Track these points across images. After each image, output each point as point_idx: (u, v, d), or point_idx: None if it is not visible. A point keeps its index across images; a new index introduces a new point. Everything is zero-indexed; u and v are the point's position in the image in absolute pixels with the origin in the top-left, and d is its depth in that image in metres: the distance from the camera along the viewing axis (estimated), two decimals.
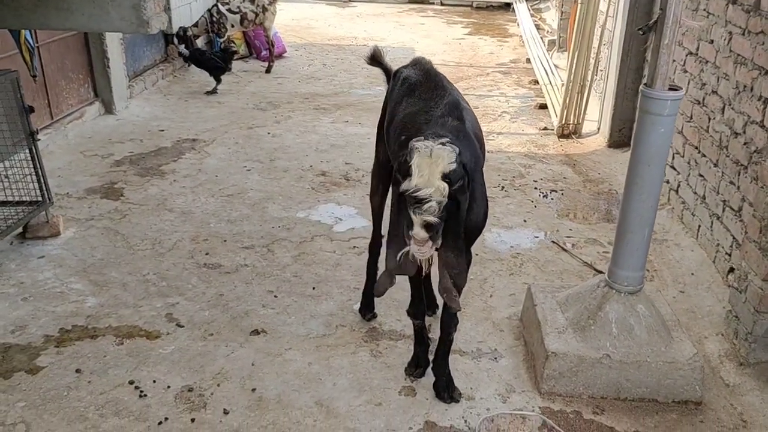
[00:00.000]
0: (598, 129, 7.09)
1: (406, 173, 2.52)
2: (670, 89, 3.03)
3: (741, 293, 3.55)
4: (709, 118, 4.57)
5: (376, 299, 3.93)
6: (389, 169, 3.51)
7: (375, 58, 3.81)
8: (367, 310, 3.94)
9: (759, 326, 3.38)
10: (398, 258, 2.73)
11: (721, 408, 3.32)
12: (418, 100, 3.23)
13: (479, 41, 11.95)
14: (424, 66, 3.45)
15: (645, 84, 3.10)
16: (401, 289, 3.55)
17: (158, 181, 5.80)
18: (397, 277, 2.90)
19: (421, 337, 3.43)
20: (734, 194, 4.12)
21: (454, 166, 2.53)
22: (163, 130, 7.07)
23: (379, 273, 3.08)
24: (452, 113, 2.98)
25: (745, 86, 4.05)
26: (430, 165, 2.50)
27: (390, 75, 3.74)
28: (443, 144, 2.57)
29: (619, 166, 6.33)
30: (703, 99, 4.70)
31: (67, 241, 4.69)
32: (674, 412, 3.28)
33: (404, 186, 2.54)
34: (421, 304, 3.38)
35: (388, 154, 3.49)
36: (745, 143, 4.01)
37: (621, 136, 6.62)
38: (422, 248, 2.61)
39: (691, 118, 4.90)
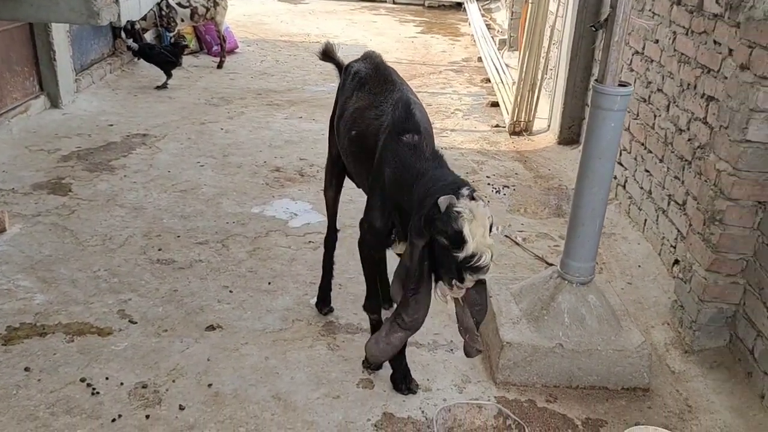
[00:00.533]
0: (549, 126, 7.24)
1: (461, 242, 2.34)
2: (620, 85, 3.13)
3: (686, 283, 3.68)
4: (655, 116, 4.73)
5: (332, 294, 3.94)
6: (342, 164, 3.55)
7: (327, 54, 3.81)
8: (323, 304, 3.93)
9: (703, 315, 3.52)
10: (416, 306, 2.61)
11: (668, 394, 3.44)
12: (368, 95, 3.26)
13: (431, 40, 12.04)
14: (374, 60, 3.47)
15: (596, 80, 3.19)
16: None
17: (108, 176, 5.68)
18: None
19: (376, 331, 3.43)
20: (679, 189, 4.27)
21: (493, 218, 2.44)
22: (112, 125, 6.92)
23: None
24: (404, 110, 3.00)
25: (689, 84, 4.20)
26: (479, 227, 2.35)
27: (342, 70, 3.75)
28: (474, 198, 2.42)
29: (569, 162, 6.48)
30: (649, 97, 4.85)
31: (13, 238, 4.55)
32: (623, 399, 3.39)
33: (462, 256, 2.36)
34: (376, 299, 3.39)
35: (339, 148, 3.51)
36: (689, 139, 4.16)
37: (570, 134, 6.78)
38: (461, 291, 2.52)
39: (638, 115, 5.06)
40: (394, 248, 3.02)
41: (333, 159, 3.70)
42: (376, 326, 3.42)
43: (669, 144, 4.46)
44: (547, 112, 7.38)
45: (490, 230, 2.40)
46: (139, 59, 8.60)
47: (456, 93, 9.03)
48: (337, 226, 3.87)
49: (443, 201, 2.36)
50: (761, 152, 3.18)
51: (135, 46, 8.33)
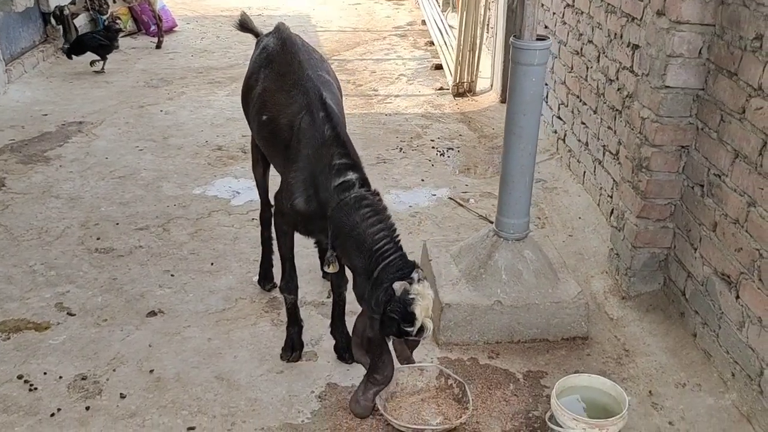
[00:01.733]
0: (491, 86, 7.24)
1: (412, 321, 2.66)
2: (537, 39, 3.12)
3: (620, 231, 3.74)
4: (587, 67, 4.75)
5: (274, 269, 3.90)
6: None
7: (244, 25, 3.71)
8: (266, 280, 3.90)
9: (636, 261, 3.58)
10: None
11: (606, 341, 3.51)
12: (276, 76, 3.16)
13: (375, 6, 11.89)
14: (281, 35, 3.34)
15: (514, 35, 3.17)
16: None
17: (43, 167, 5.53)
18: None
19: (294, 316, 3.34)
20: (612, 138, 4.31)
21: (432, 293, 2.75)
22: (46, 115, 6.72)
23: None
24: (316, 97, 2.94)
25: (615, 34, 4.22)
26: (425, 307, 2.67)
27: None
28: (421, 280, 2.70)
29: None
30: (581, 49, 4.86)
31: None
32: (563, 349, 3.45)
33: (412, 330, 2.69)
34: (293, 279, 3.29)
35: (249, 126, 3.42)
36: (618, 89, 4.19)
37: None
38: None
39: (572, 68, 5.07)
40: (327, 268, 3.00)
41: (254, 138, 3.60)
42: (292, 309, 3.33)
43: (601, 95, 4.49)
44: (490, 72, 7.37)
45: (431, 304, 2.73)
46: (73, 57, 8.15)
47: (400, 58, 8.96)
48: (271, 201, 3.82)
49: (398, 287, 2.65)
50: (681, 97, 3.21)
51: (65, 46, 8.02)
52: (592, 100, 4.66)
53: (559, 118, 5.42)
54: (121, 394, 3.13)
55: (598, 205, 4.59)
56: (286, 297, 3.33)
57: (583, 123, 4.87)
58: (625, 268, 3.66)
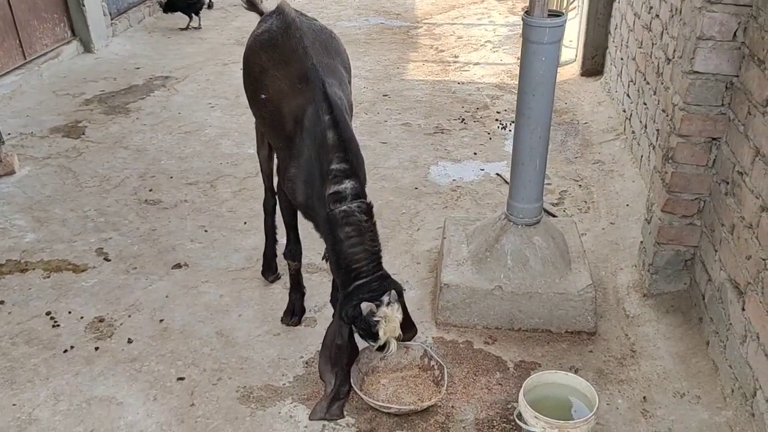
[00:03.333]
0: (575, 57, 6.87)
1: (375, 339, 2.79)
2: (550, 15, 2.93)
3: (648, 224, 3.50)
4: (653, 44, 4.40)
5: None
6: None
7: (251, 3, 3.59)
8: (269, 271, 3.79)
9: (659, 257, 3.35)
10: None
11: (614, 338, 3.33)
12: (279, 61, 3.01)
13: None
14: (285, 17, 3.14)
15: (525, 11, 2.99)
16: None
17: (122, 119, 5.90)
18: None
19: (297, 283, 3.43)
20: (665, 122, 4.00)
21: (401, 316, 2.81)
22: (138, 68, 7.14)
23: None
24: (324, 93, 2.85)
25: (676, 9, 3.87)
26: (390, 328, 2.76)
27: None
28: (391, 303, 2.76)
29: (587, 95, 6.17)
30: (650, 23, 4.51)
31: (20, 180, 4.86)
32: (565, 342, 3.31)
33: (375, 345, 2.85)
34: (297, 245, 3.37)
35: (251, 108, 3.37)
36: None
37: (594, 64, 6.41)
38: None
39: (642, 44, 4.72)
40: (324, 263, 3.14)
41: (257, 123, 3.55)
42: (295, 276, 3.42)
43: (660, 75, 4.17)
44: (575, 42, 6.98)
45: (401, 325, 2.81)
46: (168, 12, 8.54)
47: (492, 23, 8.68)
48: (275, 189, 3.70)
49: (365, 308, 2.73)
50: (711, 84, 2.92)
51: (162, 1, 8.38)
52: (653, 80, 4.33)
53: (628, 96, 5.08)
54: (128, 339, 3.36)
55: (649, 192, 4.29)
56: (290, 264, 3.41)
57: (644, 103, 4.55)
58: (648, 264, 3.43)
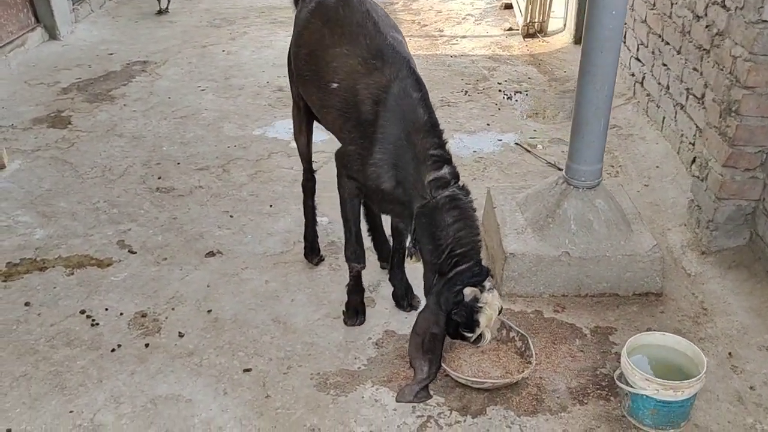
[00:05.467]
0: (564, 26, 6.85)
1: (474, 328, 2.61)
2: None
3: (702, 181, 3.47)
4: (672, 3, 4.37)
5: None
6: (309, 108, 3.19)
7: None
8: (312, 253, 3.59)
9: (720, 213, 3.32)
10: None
11: (682, 297, 3.29)
12: (344, 37, 2.79)
13: None
14: None
15: None
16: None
17: (108, 106, 5.55)
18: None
19: (358, 285, 3.15)
20: (697, 81, 3.98)
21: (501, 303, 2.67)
22: (112, 54, 6.75)
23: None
24: (407, 74, 2.66)
25: None
26: (490, 317, 2.61)
27: None
28: (491, 289, 2.61)
29: None
30: None
31: (13, 174, 4.50)
32: (635, 305, 3.26)
33: (471, 336, 2.65)
34: (361, 246, 3.07)
35: (300, 91, 3.13)
36: (707, 26, 3.83)
37: None
38: None
39: (654, 5, 4.69)
40: (409, 260, 2.84)
41: (298, 104, 3.29)
42: (357, 278, 3.13)
43: (686, 33, 4.14)
44: (563, 11, 6.96)
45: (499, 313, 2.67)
46: None
47: None
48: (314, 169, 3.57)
49: (469, 293, 2.57)
50: None
51: None
52: (676, 40, 4.30)
53: (638, 59, 5.06)
54: (179, 332, 3.13)
55: (678, 153, 4.29)
56: (353, 266, 3.11)
57: (664, 65, 4.53)
58: (707, 221, 3.40)
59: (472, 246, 2.63)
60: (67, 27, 7.11)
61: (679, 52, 4.27)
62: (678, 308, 3.23)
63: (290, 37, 6.99)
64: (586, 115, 3.12)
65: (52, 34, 6.94)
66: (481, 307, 2.57)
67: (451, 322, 2.61)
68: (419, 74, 2.74)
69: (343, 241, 3.12)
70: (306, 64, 2.99)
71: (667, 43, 4.47)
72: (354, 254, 3.07)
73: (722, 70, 3.23)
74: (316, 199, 3.57)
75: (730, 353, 2.93)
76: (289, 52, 3.25)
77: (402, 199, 2.72)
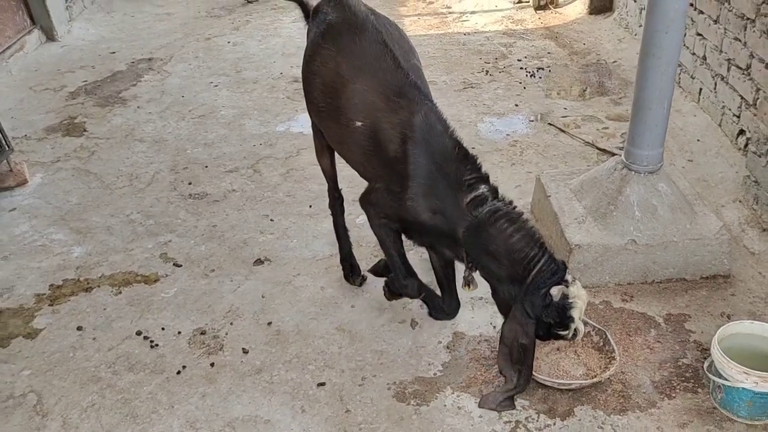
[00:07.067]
0: None
1: (569, 325, 2.54)
2: None
3: (760, 157, 3.39)
4: None
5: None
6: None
7: None
8: (353, 275, 3.38)
9: None
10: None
11: (750, 278, 3.24)
12: (365, 73, 2.69)
13: None
14: (355, 13, 2.78)
15: None
16: None
17: (121, 109, 5.39)
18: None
19: (431, 297, 3.01)
20: (740, 51, 3.89)
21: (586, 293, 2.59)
22: (114, 53, 6.55)
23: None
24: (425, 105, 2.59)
25: None
26: (581, 311, 2.53)
27: (308, 11, 3.12)
28: (574, 281, 2.53)
29: (604, 33, 6.04)
30: None
31: (36, 189, 4.36)
32: (704, 289, 3.20)
33: (567, 335, 2.57)
34: (411, 275, 2.91)
35: (315, 121, 3.04)
36: None
37: (602, 0, 6.26)
38: None
39: None
40: (466, 289, 2.74)
41: (316, 126, 3.16)
42: (428, 294, 3.00)
43: (725, 2, 4.03)
44: None
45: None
46: None
47: None
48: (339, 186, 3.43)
49: (556, 292, 2.50)
50: None
51: None
52: (713, 8, 4.20)
53: None
54: (243, 349, 3.04)
55: (720, 125, 4.21)
56: (412, 296, 2.97)
57: (699, 34, 4.42)
58: (767, 197, 3.34)
59: (534, 243, 2.54)
60: (64, 27, 6.89)
61: (716, 22, 4.17)
62: (748, 289, 3.18)
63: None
64: (650, 98, 3.03)
65: (50, 35, 6.72)
66: (571, 303, 2.49)
67: (542, 325, 2.53)
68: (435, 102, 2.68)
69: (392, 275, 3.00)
70: (322, 96, 2.84)
71: (701, 12, 4.37)
72: (407, 287, 2.93)
73: None
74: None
75: None
76: (303, 68, 3.08)
77: (443, 228, 2.64)
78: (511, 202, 2.62)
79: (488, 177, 2.63)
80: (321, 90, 2.84)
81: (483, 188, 2.58)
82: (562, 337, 2.56)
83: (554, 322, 2.51)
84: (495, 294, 2.68)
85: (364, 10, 2.86)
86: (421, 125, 2.58)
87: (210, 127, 5.02)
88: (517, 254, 2.52)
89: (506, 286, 2.58)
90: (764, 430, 2.52)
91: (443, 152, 2.59)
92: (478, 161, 2.63)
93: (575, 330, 2.53)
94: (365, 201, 2.83)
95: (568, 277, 2.51)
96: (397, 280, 2.94)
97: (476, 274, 2.69)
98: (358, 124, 2.69)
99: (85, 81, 5.92)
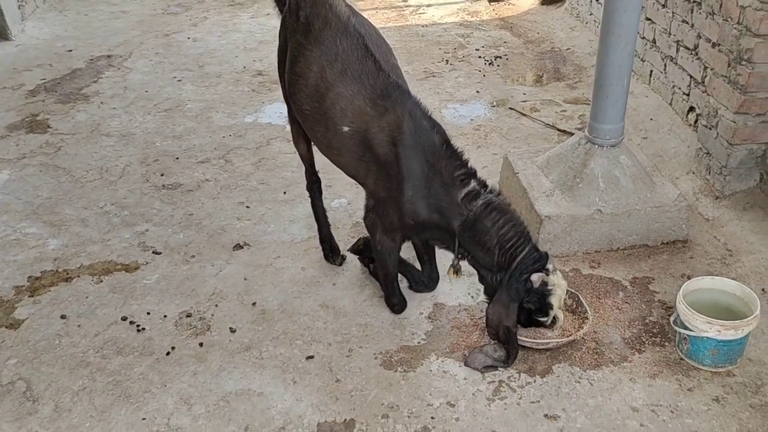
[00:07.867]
0: None
1: (548, 311, 2.72)
2: None
3: (710, 129, 3.62)
4: None
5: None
6: None
7: None
8: (333, 254, 3.48)
9: (733, 158, 3.49)
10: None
11: (706, 242, 3.46)
12: (347, 77, 2.73)
13: None
14: (336, 15, 2.82)
15: None
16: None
17: (84, 106, 5.35)
18: None
19: (410, 271, 3.24)
20: (688, 33, 4.13)
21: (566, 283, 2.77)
22: (71, 51, 6.48)
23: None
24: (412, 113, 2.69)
25: None
26: (560, 298, 2.70)
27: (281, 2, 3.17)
28: (555, 270, 2.69)
29: (556, 22, 6.26)
30: None
31: (4, 185, 4.31)
32: (665, 253, 3.41)
33: (546, 321, 2.74)
34: (401, 295, 3.12)
35: (301, 123, 3.06)
36: None
37: None
38: None
39: None
40: (452, 276, 2.91)
41: (293, 116, 3.19)
42: (410, 270, 3.25)
43: None
44: None
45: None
46: None
47: None
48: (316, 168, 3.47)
49: (536, 279, 2.65)
50: None
51: None
52: None
53: None
54: (230, 328, 3.10)
55: (671, 104, 4.45)
56: (396, 312, 3.14)
57: (648, 19, 4.66)
58: (720, 167, 3.57)
59: (519, 235, 2.71)
60: (17, 26, 6.77)
61: (664, 6, 4.41)
62: (705, 252, 3.40)
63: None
64: (610, 75, 3.21)
65: (3, 34, 6.59)
66: (551, 290, 2.67)
67: (522, 311, 2.70)
68: (419, 99, 2.79)
69: (383, 291, 3.16)
70: (307, 100, 2.87)
71: None
72: (396, 306, 3.12)
73: (728, 20, 3.37)
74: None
75: (763, 289, 3.11)
76: (280, 57, 3.13)
77: (440, 224, 2.78)
78: (500, 193, 2.78)
79: (476, 171, 2.78)
80: (305, 93, 2.87)
81: (474, 183, 2.73)
82: (542, 324, 2.74)
83: (534, 308, 2.69)
84: (482, 279, 2.85)
85: (346, 11, 2.89)
86: (408, 125, 2.68)
87: (177, 120, 5.05)
88: (506, 243, 2.69)
89: (493, 273, 2.75)
90: (727, 376, 2.72)
91: (433, 150, 2.70)
92: (465, 156, 2.77)
93: (554, 317, 2.71)
94: (369, 221, 2.96)
95: (549, 266, 2.68)
96: (387, 298, 3.13)
97: (464, 262, 2.86)
98: (346, 129, 2.76)
99: (44, 79, 5.85)
